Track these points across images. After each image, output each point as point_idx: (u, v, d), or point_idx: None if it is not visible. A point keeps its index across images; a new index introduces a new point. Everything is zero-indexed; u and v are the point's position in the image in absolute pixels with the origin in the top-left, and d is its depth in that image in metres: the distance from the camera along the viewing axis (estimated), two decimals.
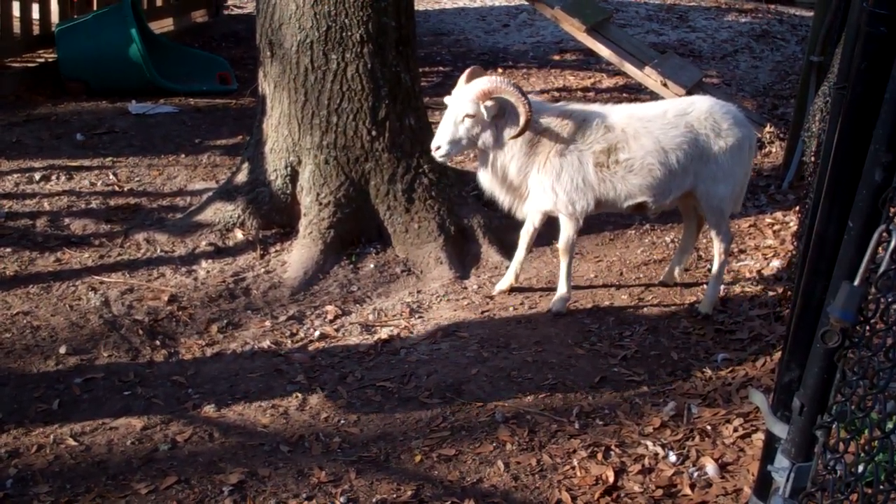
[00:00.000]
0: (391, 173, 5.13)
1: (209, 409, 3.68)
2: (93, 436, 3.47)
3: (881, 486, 1.57)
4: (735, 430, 3.52)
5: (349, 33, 4.89)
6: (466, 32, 10.33)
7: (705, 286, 4.69)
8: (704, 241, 5.22)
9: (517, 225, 4.73)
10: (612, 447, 3.42)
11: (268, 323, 4.46)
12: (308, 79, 4.98)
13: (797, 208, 5.41)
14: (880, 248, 1.62)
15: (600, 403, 3.74)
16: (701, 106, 4.36)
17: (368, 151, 5.08)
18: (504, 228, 5.26)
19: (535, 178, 4.35)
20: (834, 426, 1.73)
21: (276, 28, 5.01)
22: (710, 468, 3.28)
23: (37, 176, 5.87)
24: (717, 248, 4.53)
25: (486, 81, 4.18)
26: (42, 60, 7.70)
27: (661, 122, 4.28)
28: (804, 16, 11.34)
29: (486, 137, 4.29)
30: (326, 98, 4.99)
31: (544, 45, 9.85)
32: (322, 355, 4.17)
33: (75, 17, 7.91)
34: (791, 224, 5.51)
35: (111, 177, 6.00)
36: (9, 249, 4.89)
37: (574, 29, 7.05)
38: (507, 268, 4.84)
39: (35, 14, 7.69)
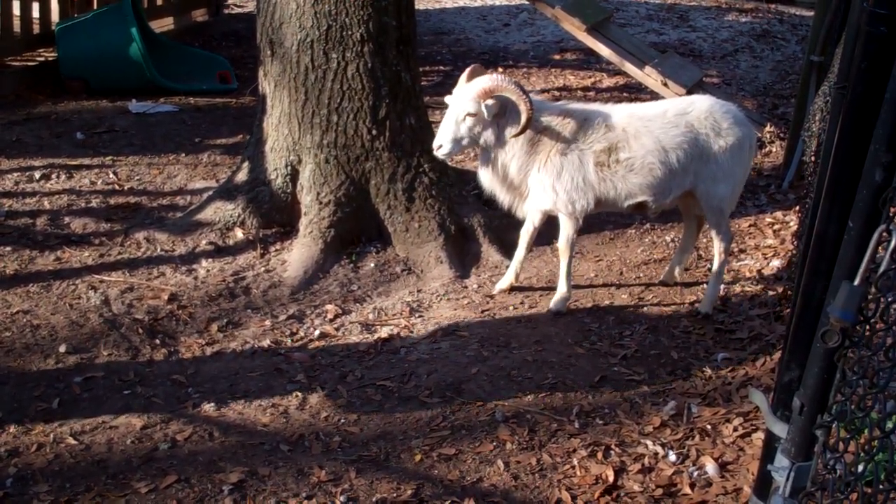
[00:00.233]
0: (391, 172, 5.13)
1: (209, 409, 3.68)
2: (93, 435, 3.47)
3: (881, 486, 1.57)
4: (735, 429, 3.52)
5: (349, 32, 4.89)
6: (467, 32, 10.33)
7: (705, 286, 4.69)
8: (704, 240, 5.22)
9: (517, 224, 4.73)
10: (612, 446, 3.42)
11: (268, 322, 4.46)
12: (308, 78, 4.98)
13: (797, 208, 5.41)
14: (880, 248, 1.62)
15: (600, 403, 3.74)
16: (701, 105, 4.36)
17: (369, 150, 5.08)
18: (504, 228, 5.26)
19: (536, 177, 4.35)
20: (834, 426, 1.73)
21: (276, 27, 5.01)
22: (710, 467, 3.28)
23: (37, 175, 5.87)
24: (717, 248, 4.53)
25: (488, 80, 4.18)
26: (42, 59, 7.70)
27: (661, 122, 4.28)
28: (804, 15, 11.33)
29: (488, 136, 4.29)
30: (327, 97, 4.99)
31: (545, 45, 9.85)
32: (322, 354, 4.17)
33: (75, 15, 7.91)
34: (791, 224, 5.51)
35: (111, 176, 6.00)
36: (9, 248, 4.89)
37: (574, 28, 7.05)
38: (508, 267, 4.84)
39: (35, 13, 7.69)
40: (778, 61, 9.61)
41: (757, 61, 9.57)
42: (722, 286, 4.66)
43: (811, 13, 7.84)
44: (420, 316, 4.58)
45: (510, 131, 4.26)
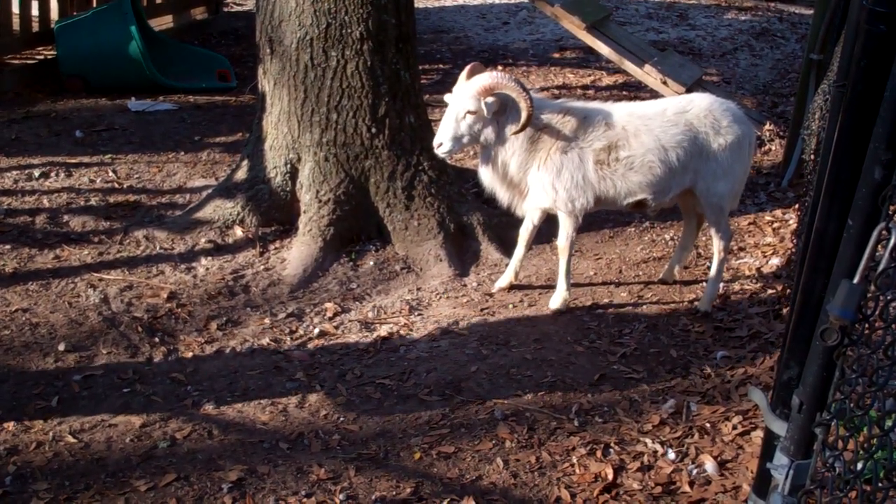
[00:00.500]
0: (391, 171, 5.13)
1: (208, 407, 3.68)
2: (92, 433, 3.47)
3: (880, 484, 1.57)
4: (734, 427, 3.52)
5: (349, 30, 4.88)
6: (466, 30, 10.32)
7: (705, 284, 4.69)
8: (704, 238, 5.21)
9: (517, 222, 4.73)
10: (612, 445, 3.42)
11: (267, 320, 4.46)
12: (308, 76, 4.97)
13: (796, 206, 5.41)
14: (880, 246, 1.62)
15: (599, 401, 3.74)
16: (700, 103, 4.37)
17: (368, 149, 5.08)
18: (503, 226, 5.26)
19: (535, 176, 4.35)
20: (833, 424, 1.73)
21: (275, 25, 5.00)
22: (710, 466, 3.28)
23: (36, 173, 5.86)
24: (716, 246, 4.53)
25: (488, 77, 4.17)
26: (41, 57, 7.70)
27: (661, 120, 4.28)
28: (804, 14, 11.33)
29: (488, 133, 4.29)
30: (326, 95, 4.98)
31: (544, 43, 9.85)
32: (321, 353, 4.17)
33: (75, 13, 7.90)
34: (790, 222, 5.51)
35: (110, 174, 6.00)
36: (8, 246, 4.89)
37: (574, 27, 7.05)
38: (507, 265, 4.84)
39: (34, 11, 7.68)
40: (777, 59, 9.61)
41: (756, 59, 9.57)
42: (721, 284, 4.66)
43: (811, 11, 7.84)
44: (419, 314, 4.58)
45: (510, 129, 4.26)
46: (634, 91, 8.03)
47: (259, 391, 3.81)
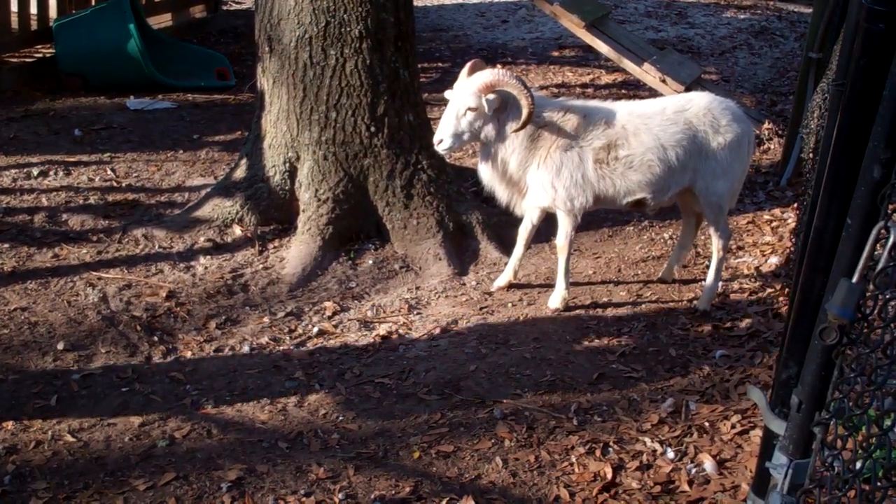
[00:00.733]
0: (390, 169, 5.13)
1: (207, 406, 3.67)
2: (91, 432, 3.46)
3: (879, 483, 1.57)
4: (733, 426, 3.52)
5: (348, 29, 4.88)
6: (465, 28, 10.32)
7: (704, 283, 4.69)
8: (703, 237, 5.21)
9: (516, 221, 4.73)
10: (611, 444, 3.42)
11: (266, 319, 4.45)
12: (307, 74, 4.97)
13: (795, 205, 5.41)
14: (878, 245, 1.62)
15: (598, 400, 3.74)
16: (699, 102, 4.36)
17: (367, 147, 5.08)
18: (503, 225, 5.26)
19: (535, 174, 4.35)
20: (832, 423, 1.73)
21: (274, 24, 5.00)
22: (708, 465, 3.28)
23: (34, 171, 5.86)
24: (715, 245, 4.53)
25: (489, 74, 4.17)
26: (40, 56, 7.70)
27: (660, 119, 4.28)
28: (803, 12, 11.33)
29: (489, 131, 4.28)
30: (325, 94, 4.98)
31: (543, 42, 9.84)
32: (320, 352, 4.17)
33: (73, 12, 7.89)
34: (789, 221, 5.51)
35: (109, 172, 5.99)
36: (6, 245, 4.89)
37: (573, 25, 7.05)
38: (506, 264, 4.84)
39: (33, 9, 7.67)
40: (776, 58, 9.61)
41: (755, 58, 9.57)
42: (720, 283, 4.66)
43: (810, 10, 7.83)
44: (418, 313, 4.58)
45: (511, 126, 4.26)
46: (633, 89, 8.02)
47: (258, 390, 3.81)
